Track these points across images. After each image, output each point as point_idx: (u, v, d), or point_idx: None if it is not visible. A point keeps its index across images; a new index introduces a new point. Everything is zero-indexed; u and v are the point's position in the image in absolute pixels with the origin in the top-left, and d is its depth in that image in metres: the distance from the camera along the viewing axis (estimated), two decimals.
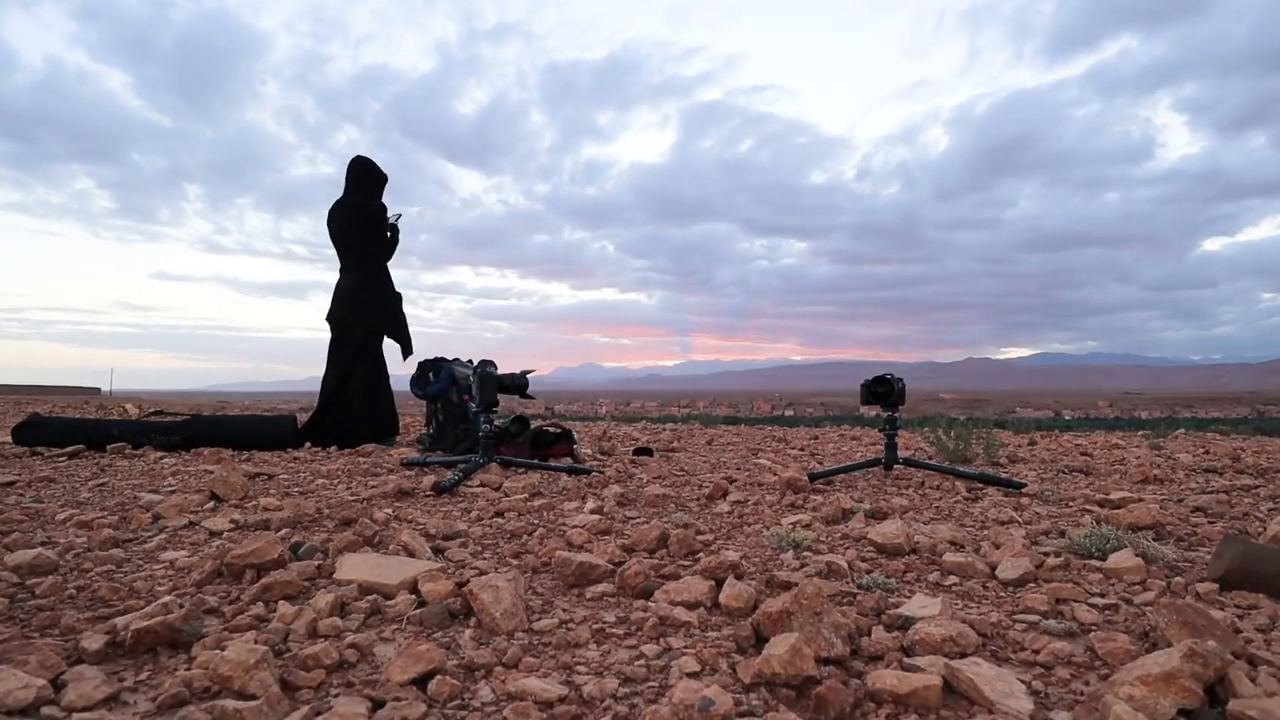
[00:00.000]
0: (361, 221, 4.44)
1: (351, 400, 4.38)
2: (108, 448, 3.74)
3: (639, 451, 4.07)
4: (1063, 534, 1.88)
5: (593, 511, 2.18)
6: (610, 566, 1.49)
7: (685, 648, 1.10)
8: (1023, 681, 0.98)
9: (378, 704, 0.91)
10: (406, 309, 4.64)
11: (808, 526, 1.96)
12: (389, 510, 2.15)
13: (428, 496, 2.48)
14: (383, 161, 4.26)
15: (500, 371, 3.21)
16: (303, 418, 4.80)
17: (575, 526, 1.90)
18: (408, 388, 4.36)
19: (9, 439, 3.93)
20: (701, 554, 1.65)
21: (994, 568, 1.53)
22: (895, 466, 3.06)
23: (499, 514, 2.16)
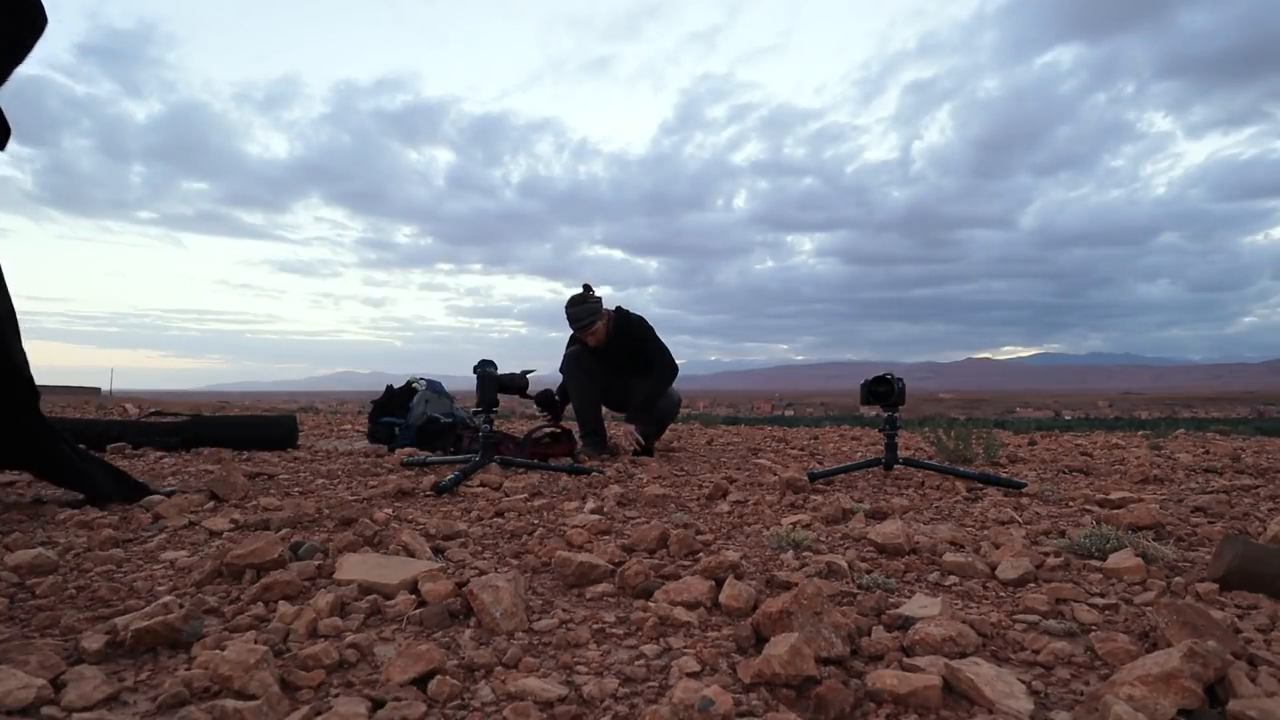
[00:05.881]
0: None
1: None
2: (108, 448, 3.74)
3: (639, 452, 4.07)
4: (1063, 534, 1.88)
5: (593, 511, 2.18)
6: (610, 566, 1.49)
7: (685, 648, 1.10)
8: (1023, 681, 0.98)
9: (378, 704, 0.91)
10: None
11: (808, 526, 1.96)
12: (389, 510, 2.15)
13: (428, 496, 2.48)
14: None
15: (500, 371, 3.21)
16: (303, 418, 4.79)
17: (575, 526, 1.90)
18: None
19: None
20: (701, 554, 1.65)
21: (994, 568, 1.53)
22: (895, 466, 3.06)
23: (499, 514, 2.16)
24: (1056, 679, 1.01)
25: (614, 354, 4.10)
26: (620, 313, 4.12)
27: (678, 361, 4.17)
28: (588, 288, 4.00)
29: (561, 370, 4.15)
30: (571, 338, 4.19)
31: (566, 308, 4.00)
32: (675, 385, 4.27)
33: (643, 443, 3.93)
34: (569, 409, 4.32)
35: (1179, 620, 1.08)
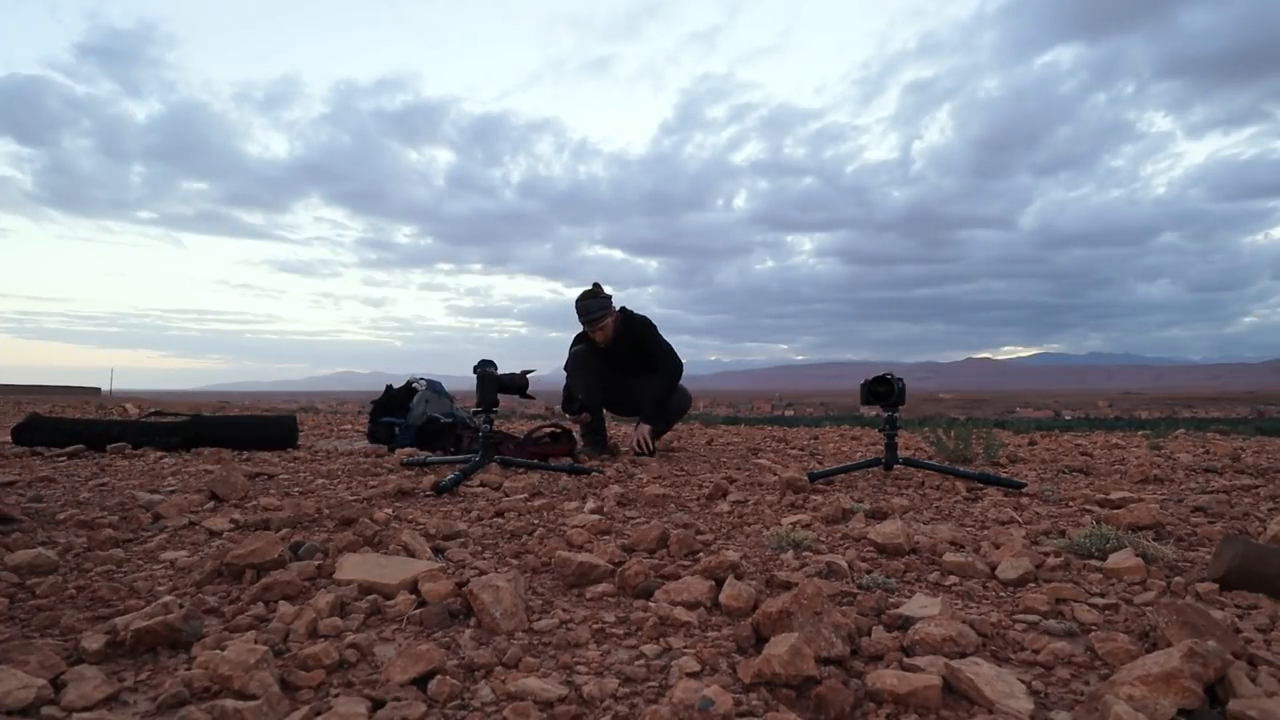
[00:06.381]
0: None
1: None
2: (108, 448, 3.74)
3: (640, 452, 4.07)
4: (1063, 534, 1.88)
5: (593, 511, 2.19)
6: (610, 566, 1.49)
7: (685, 648, 1.10)
8: (1023, 681, 0.98)
9: (378, 704, 0.91)
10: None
11: (808, 526, 1.96)
12: (389, 510, 2.15)
13: (428, 496, 2.48)
14: None
15: (500, 371, 3.21)
16: (303, 418, 4.78)
17: (575, 526, 1.90)
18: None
19: (9, 439, 3.93)
20: (701, 554, 1.65)
21: (994, 568, 1.53)
22: (895, 466, 3.06)
23: (499, 514, 2.16)
24: (1056, 679, 1.01)
25: (619, 354, 4.10)
26: (626, 313, 4.12)
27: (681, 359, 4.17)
28: (597, 286, 4.00)
29: (566, 369, 4.15)
30: (576, 338, 4.19)
31: (577, 302, 4.00)
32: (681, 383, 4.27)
33: (651, 446, 3.92)
34: (559, 410, 4.32)
35: (1179, 620, 1.08)
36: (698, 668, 1.02)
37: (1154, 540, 1.77)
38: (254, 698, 0.89)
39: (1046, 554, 1.64)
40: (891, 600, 1.33)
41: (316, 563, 1.49)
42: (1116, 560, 1.52)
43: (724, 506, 2.32)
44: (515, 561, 1.61)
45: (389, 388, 4.51)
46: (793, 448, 4.79)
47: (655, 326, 4.14)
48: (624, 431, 5.62)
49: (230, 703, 0.86)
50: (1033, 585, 1.43)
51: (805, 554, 1.65)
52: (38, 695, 0.89)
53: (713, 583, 1.35)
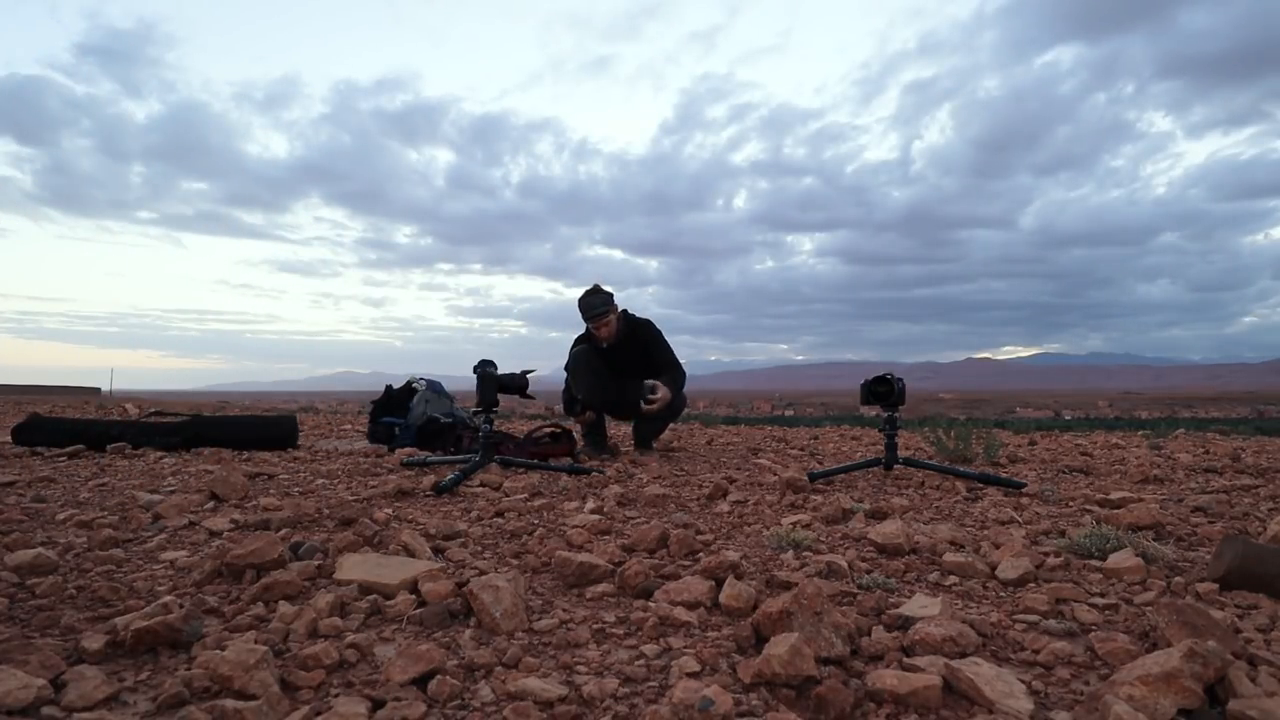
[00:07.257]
0: None
1: None
2: (108, 448, 3.74)
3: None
4: (1063, 534, 1.88)
5: (593, 511, 2.19)
6: (610, 566, 1.49)
7: (685, 648, 1.10)
8: (1023, 681, 0.98)
9: (378, 704, 0.91)
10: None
11: (808, 526, 1.96)
12: (389, 510, 2.15)
13: (428, 496, 2.48)
14: None
15: (500, 371, 3.21)
16: (303, 418, 4.78)
17: (575, 526, 1.90)
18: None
19: (9, 439, 3.93)
20: (701, 554, 1.65)
21: (994, 568, 1.53)
22: (895, 466, 3.06)
23: (499, 514, 2.16)
24: (1056, 679, 1.01)
25: (621, 355, 4.10)
26: (628, 315, 4.12)
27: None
28: (598, 286, 4.00)
29: (567, 369, 4.15)
30: (577, 339, 4.18)
31: (580, 299, 3.99)
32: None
33: (656, 397, 3.82)
34: (559, 410, 4.30)
35: (1179, 620, 1.09)
36: (698, 668, 1.02)
37: (1154, 540, 1.77)
38: (254, 698, 0.89)
39: (1046, 554, 1.64)
40: (891, 600, 1.33)
41: (316, 563, 1.49)
42: (1116, 560, 1.53)
43: (724, 506, 2.32)
44: (515, 561, 1.61)
45: (389, 388, 4.51)
46: (793, 448, 4.79)
47: (660, 330, 4.15)
48: (624, 431, 5.63)
49: (230, 703, 0.86)
50: (1033, 585, 1.43)
51: (805, 554, 1.65)
52: (38, 695, 0.89)
53: (713, 583, 1.35)
